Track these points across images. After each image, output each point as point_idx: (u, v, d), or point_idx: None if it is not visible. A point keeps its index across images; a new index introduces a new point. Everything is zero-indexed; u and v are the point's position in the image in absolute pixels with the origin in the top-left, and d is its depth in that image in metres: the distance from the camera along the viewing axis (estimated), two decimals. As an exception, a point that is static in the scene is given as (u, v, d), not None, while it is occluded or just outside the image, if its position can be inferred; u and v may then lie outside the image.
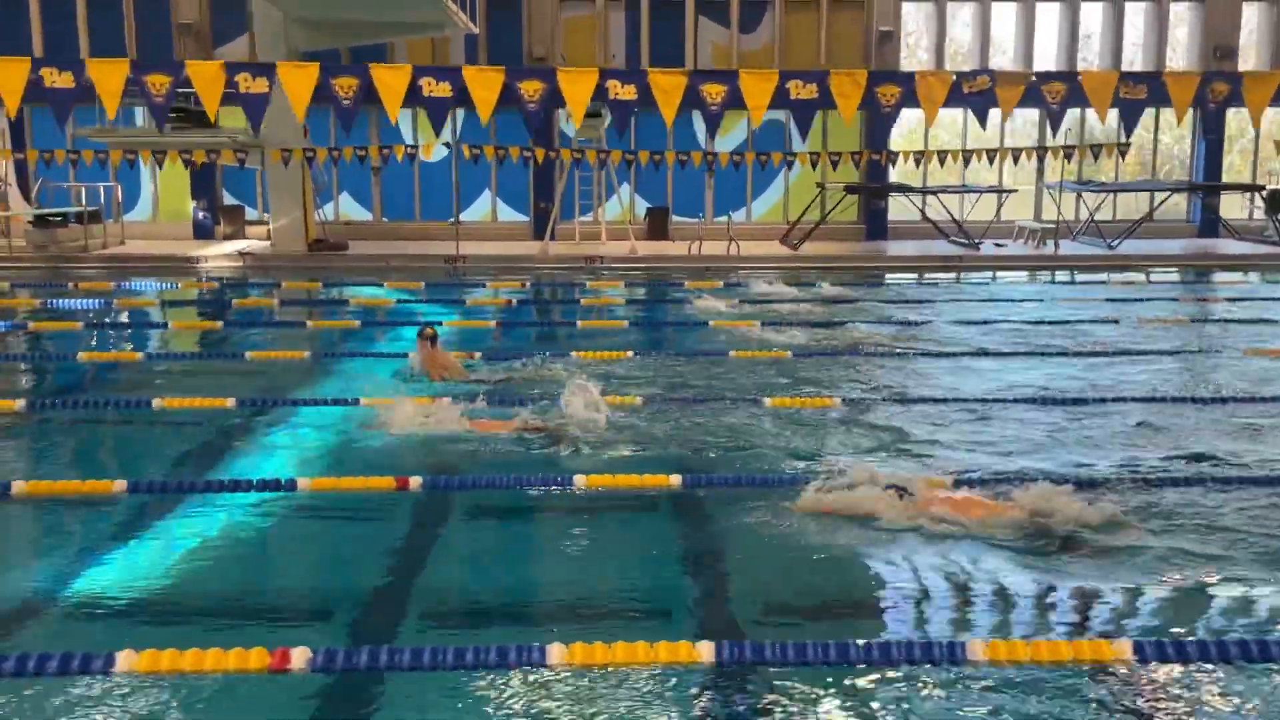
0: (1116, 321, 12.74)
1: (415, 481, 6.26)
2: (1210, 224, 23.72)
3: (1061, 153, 21.12)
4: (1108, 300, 14.76)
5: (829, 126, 23.69)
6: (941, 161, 21.61)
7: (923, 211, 23.05)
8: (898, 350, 10.94)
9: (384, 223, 24.11)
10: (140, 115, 23.08)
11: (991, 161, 20.57)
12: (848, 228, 23.69)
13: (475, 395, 8.09)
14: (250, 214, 23.62)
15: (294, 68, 13.88)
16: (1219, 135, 23.69)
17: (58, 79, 13.68)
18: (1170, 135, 25.12)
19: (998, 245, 21.91)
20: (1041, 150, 20.39)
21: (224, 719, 3.90)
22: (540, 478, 6.43)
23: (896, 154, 21.85)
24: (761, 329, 12.27)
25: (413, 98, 13.44)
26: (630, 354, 10.54)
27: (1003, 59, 24.04)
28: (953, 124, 24.77)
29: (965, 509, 5.68)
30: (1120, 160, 22.01)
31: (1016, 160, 21.33)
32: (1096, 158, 19.98)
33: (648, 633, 4.32)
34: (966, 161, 21.35)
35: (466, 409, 7.68)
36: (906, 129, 25.19)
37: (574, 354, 10.48)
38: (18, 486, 6.12)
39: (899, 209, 24.33)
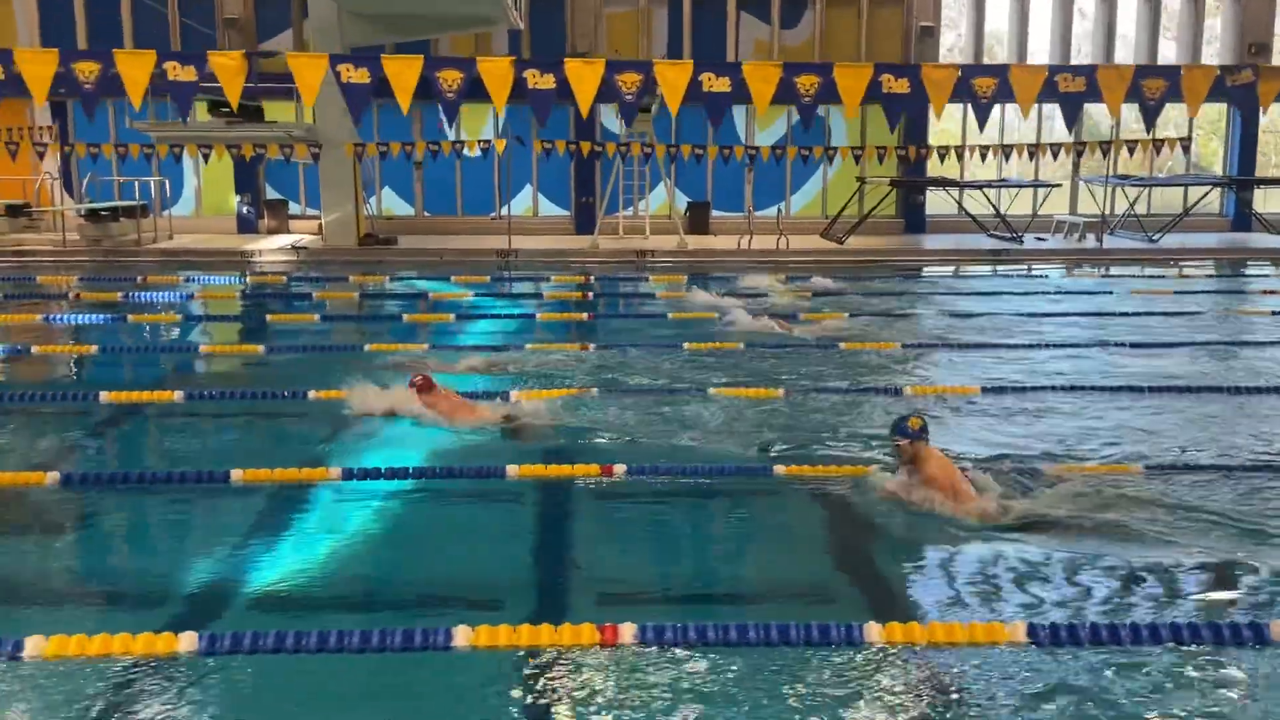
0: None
1: (619, 469, 6.44)
2: (1243, 218, 24.00)
3: (1091, 148, 21.64)
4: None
5: (867, 121, 23.93)
6: (1013, 157, 22.04)
7: (961, 205, 23.29)
8: (1012, 343, 11.12)
9: (426, 217, 24.20)
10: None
11: (1057, 156, 20.97)
12: (886, 222, 23.85)
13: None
14: (293, 208, 23.69)
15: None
16: (1254, 129, 23.98)
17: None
18: (1176, 130, 25.42)
19: (1039, 239, 22.15)
20: (1105, 144, 20.68)
21: (555, 691, 4.06)
22: (736, 467, 6.61)
23: (945, 149, 22.18)
24: (849, 320, 12.54)
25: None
26: (740, 345, 10.73)
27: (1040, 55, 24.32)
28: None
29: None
30: (1155, 155, 22.39)
31: (1079, 154, 21.78)
32: (1159, 152, 20.29)
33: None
34: (1008, 156, 21.64)
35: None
36: (940, 125, 25.39)
37: (685, 345, 10.66)
38: (236, 474, 6.26)
39: (935, 203, 24.61)
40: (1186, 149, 19.89)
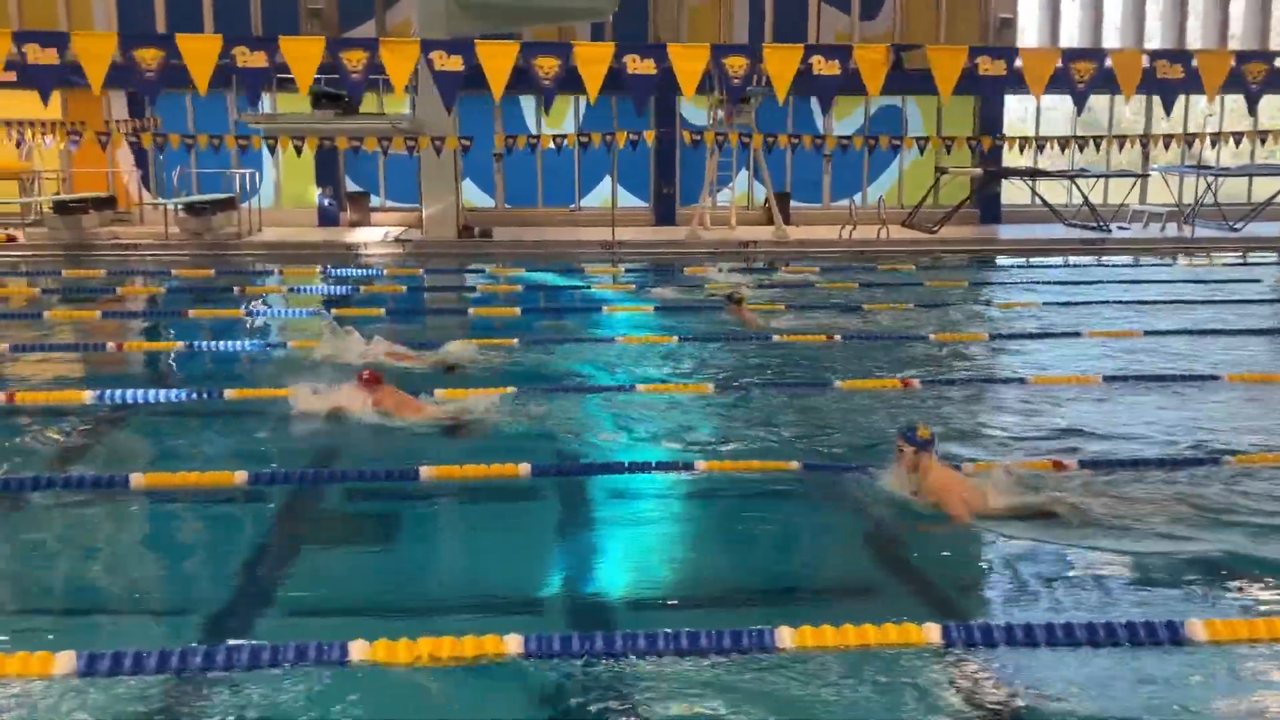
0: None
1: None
2: (1310, 206, 24.47)
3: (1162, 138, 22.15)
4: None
5: (943, 111, 24.12)
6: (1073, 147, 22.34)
7: (1037, 194, 23.56)
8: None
9: (506, 209, 24.01)
10: (265, 100, 22.70)
11: (1122, 147, 21.22)
12: (961, 211, 24.04)
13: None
14: (373, 200, 23.44)
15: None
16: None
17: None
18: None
19: (1121, 228, 22.47)
20: (1192, 136, 21.05)
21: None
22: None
23: (1024, 140, 22.41)
24: (1043, 308, 12.69)
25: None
26: (986, 336, 10.81)
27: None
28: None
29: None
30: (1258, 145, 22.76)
31: (1172, 144, 22.19)
32: (1264, 143, 20.74)
33: None
34: (1097, 147, 22.01)
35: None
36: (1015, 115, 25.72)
37: (934, 335, 10.71)
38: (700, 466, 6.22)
39: (1006, 193, 24.89)
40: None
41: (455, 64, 13.96)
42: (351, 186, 23.50)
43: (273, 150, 19.00)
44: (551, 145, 21.67)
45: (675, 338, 10.56)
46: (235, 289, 14.19)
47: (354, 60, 14.04)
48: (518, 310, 12.53)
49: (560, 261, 17.97)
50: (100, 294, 14.19)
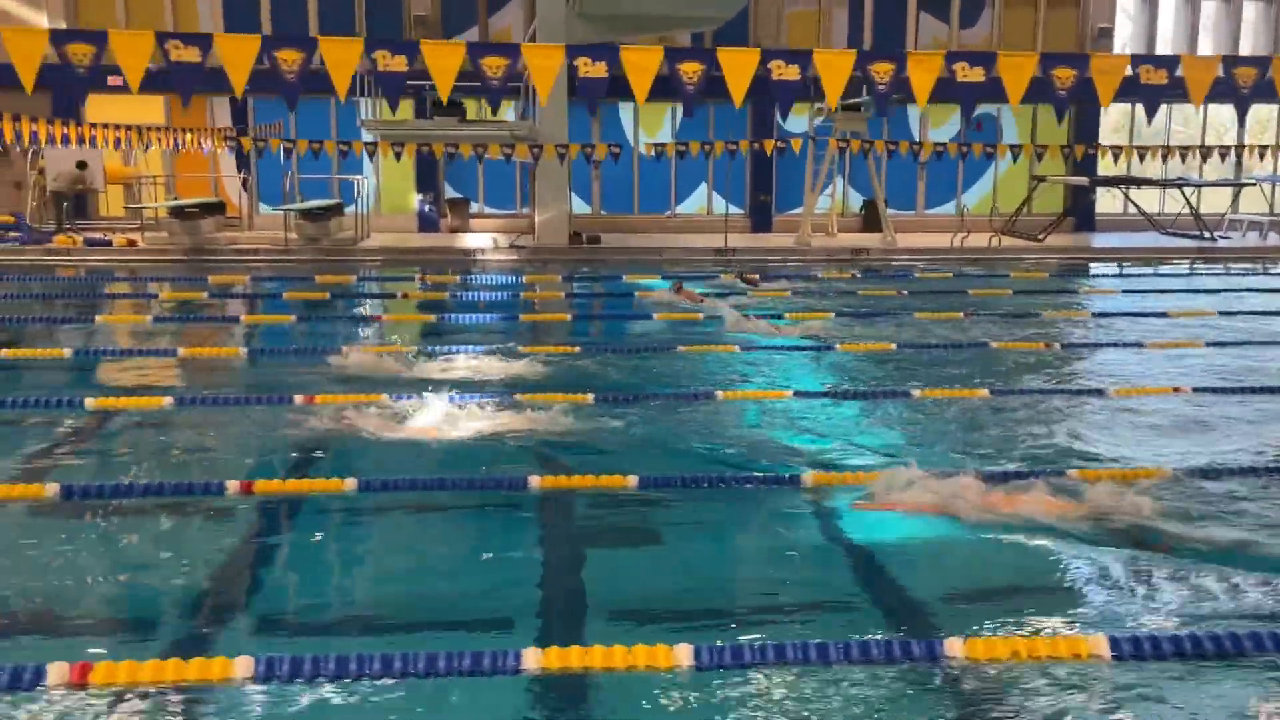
0: None
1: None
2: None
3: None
4: None
5: (1037, 119, 24.16)
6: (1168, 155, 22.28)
7: (1133, 203, 23.60)
8: None
9: (603, 215, 24.03)
10: (365, 106, 22.72)
11: (1226, 157, 21.26)
12: (1053, 220, 24.02)
13: None
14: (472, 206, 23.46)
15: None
16: None
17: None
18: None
19: (1224, 237, 22.50)
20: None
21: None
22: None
23: (1117, 148, 22.40)
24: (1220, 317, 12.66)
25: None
26: (1203, 344, 10.78)
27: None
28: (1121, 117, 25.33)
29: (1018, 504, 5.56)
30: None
31: (1240, 154, 22.10)
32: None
33: None
34: (1202, 157, 21.96)
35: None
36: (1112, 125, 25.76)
37: (1149, 344, 10.71)
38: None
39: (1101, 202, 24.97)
40: None
41: (599, 70, 13.79)
42: (451, 192, 23.53)
43: (398, 156, 18.97)
44: (653, 153, 21.70)
45: (893, 345, 10.56)
46: (399, 295, 14.19)
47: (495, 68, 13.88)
48: (700, 314, 12.51)
49: (684, 268, 17.90)
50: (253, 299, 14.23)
